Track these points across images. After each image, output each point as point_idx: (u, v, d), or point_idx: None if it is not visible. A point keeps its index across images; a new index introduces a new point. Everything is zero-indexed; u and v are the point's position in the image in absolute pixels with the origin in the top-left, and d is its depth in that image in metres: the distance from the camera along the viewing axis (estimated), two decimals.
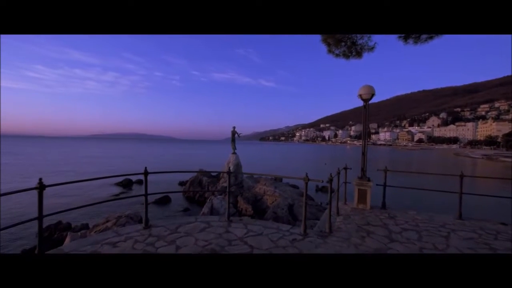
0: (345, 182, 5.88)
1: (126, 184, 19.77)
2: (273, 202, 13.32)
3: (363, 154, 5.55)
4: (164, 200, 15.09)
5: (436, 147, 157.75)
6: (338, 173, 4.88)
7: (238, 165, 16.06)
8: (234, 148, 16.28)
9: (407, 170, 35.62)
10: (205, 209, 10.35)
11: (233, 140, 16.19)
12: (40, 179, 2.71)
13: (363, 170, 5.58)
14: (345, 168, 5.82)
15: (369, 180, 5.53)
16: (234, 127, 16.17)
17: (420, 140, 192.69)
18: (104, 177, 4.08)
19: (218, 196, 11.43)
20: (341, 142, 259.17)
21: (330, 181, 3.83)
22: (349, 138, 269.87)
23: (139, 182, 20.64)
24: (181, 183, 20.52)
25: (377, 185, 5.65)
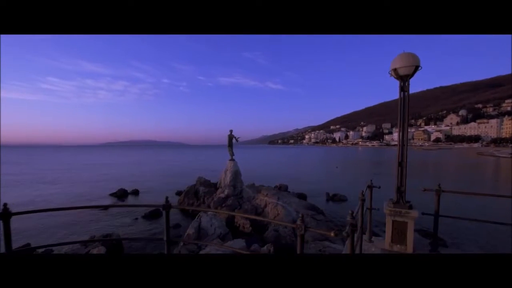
0: (370, 209, 3.82)
1: (121, 196, 18.43)
2: (275, 216, 11.29)
3: (400, 165, 3.47)
4: (155, 214, 13.38)
5: (456, 146, 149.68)
6: (362, 200, 2.87)
7: (236, 173, 14.15)
8: (232, 154, 14.41)
9: (430, 173, 32.42)
10: (191, 229, 8.46)
11: (230, 145, 14.31)
12: (5, 205, 2.09)
13: (400, 190, 3.51)
14: (370, 187, 3.76)
15: (410, 207, 3.45)
16: (231, 131, 14.32)
17: (437, 140, 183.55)
18: (80, 207, 3.13)
19: (209, 213, 9.52)
20: (352, 144, 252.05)
21: (351, 228, 1.85)
22: (360, 139, 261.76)
23: (134, 193, 19.32)
24: (178, 193, 18.88)
25: (423, 214, 3.56)
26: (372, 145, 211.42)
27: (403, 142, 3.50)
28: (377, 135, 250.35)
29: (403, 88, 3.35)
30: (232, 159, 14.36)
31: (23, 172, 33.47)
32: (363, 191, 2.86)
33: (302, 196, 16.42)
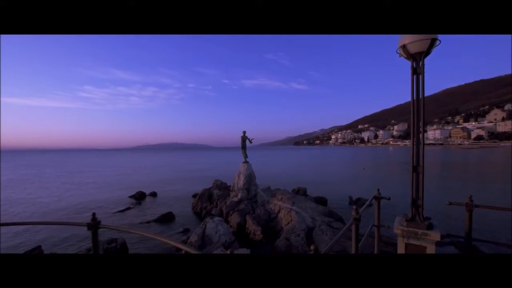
0: (378, 226, 3.04)
1: (139, 198, 18.93)
2: (288, 223, 10.54)
3: (415, 170, 2.67)
4: (167, 217, 13.37)
5: (501, 144, 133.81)
6: (356, 219, 2.17)
7: (250, 176, 13.62)
8: (246, 156, 13.92)
9: (468, 175, 28.89)
10: (194, 237, 8.09)
11: (243, 147, 13.84)
12: None
13: (415, 203, 2.71)
14: (377, 198, 2.99)
15: (430, 226, 2.62)
16: (244, 132, 13.86)
17: (478, 137, 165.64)
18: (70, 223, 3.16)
19: (216, 219, 9.11)
20: (382, 144, 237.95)
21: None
22: (391, 139, 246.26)
23: (153, 195, 19.77)
24: (195, 195, 18.91)
25: (448, 235, 2.72)
26: (404, 145, 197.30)
27: (419, 140, 2.71)
28: (409, 134, 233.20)
29: (416, 70, 2.56)
30: (245, 162, 13.89)
31: (54, 174, 36.47)
32: (357, 208, 2.15)
33: (321, 200, 15.40)
